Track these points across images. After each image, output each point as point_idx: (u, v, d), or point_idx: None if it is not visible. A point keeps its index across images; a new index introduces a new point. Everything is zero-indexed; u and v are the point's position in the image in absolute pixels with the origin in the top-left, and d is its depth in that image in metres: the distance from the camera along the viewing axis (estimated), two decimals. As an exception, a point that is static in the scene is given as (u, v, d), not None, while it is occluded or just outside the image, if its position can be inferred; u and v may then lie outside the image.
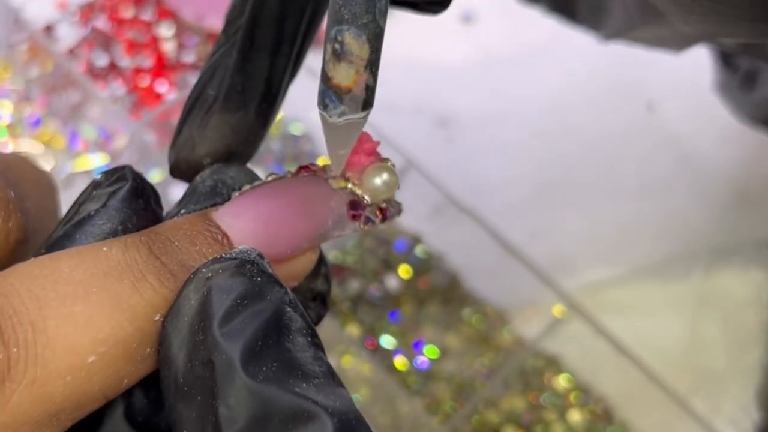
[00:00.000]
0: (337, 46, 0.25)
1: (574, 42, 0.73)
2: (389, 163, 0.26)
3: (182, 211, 0.27)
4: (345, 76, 0.26)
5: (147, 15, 0.65)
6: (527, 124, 0.67)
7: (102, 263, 0.22)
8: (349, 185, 0.26)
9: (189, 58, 0.64)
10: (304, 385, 0.21)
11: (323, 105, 0.26)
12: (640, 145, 0.67)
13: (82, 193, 0.26)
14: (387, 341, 0.54)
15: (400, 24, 0.71)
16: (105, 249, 0.23)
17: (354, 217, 0.26)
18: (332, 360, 0.54)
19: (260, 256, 0.23)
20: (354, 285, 0.56)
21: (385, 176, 0.26)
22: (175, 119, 0.61)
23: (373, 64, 0.26)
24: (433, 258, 0.58)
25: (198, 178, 0.28)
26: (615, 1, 0.40)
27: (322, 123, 0.25)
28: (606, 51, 0.72)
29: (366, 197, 0.26)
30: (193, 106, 0.28)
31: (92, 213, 0.25)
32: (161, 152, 0.59)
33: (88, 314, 0.21)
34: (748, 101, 0.55)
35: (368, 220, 0.26)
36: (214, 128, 0.28)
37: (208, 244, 0.24)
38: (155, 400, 0.25)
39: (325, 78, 0.25)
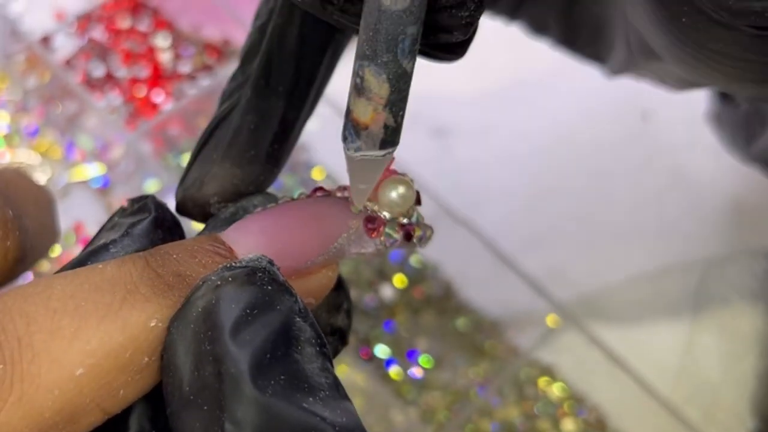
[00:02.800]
0: (358, 80, 0.25)
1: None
2: (406, 178, 0.26)
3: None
4: (363, 112, 0.26)
5: (143, 26, 0.65)
6: (522, 135, 0.67)
7: (95, 278, 0.22)
8: (366, 202, 0.26)
9: (185, 68, 0.64)
10: (311, 399, 0.21)
11: (343, 137, 0.26)
12: (634, 155, 0.68)
13: (108, 221, 0.26)
14: (381, 351, 0.55)
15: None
16: (101, 266, 0.23)
17: (371, 232, 0.25)
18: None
19: (271, 263, 0.23)
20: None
21: (401, 190, 0.25)
22: (172, 129, 0.61)
23: (394, 104, 0.25)
24: (428, 268, 0.59)
25: (223, 207, 0.28)
26: (618, 37, 0.40)
27: (344, 155, 0.25)
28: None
29: (383, 213, 0.25)
30: (204, 143, 0.28)
31: (109, 242, 0.25)
32: (157, 162, 0.59)
33: (75, 327, 0.21)
34: (747, 140, 0.52)
35: (388, 236, 0.26)
36: (224, 167, 0.27)
37: (209, 256, 0.24)
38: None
39: (347, 110, 0.25)
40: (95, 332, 0.21)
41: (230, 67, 0.62)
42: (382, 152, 0.27)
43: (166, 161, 0.60)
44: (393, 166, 0.26)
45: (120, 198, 0.59)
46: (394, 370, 0.54)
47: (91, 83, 0.62)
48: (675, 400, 0.55)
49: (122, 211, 0.26)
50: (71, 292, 0.22)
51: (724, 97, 0.52)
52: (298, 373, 0.21)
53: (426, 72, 0.71)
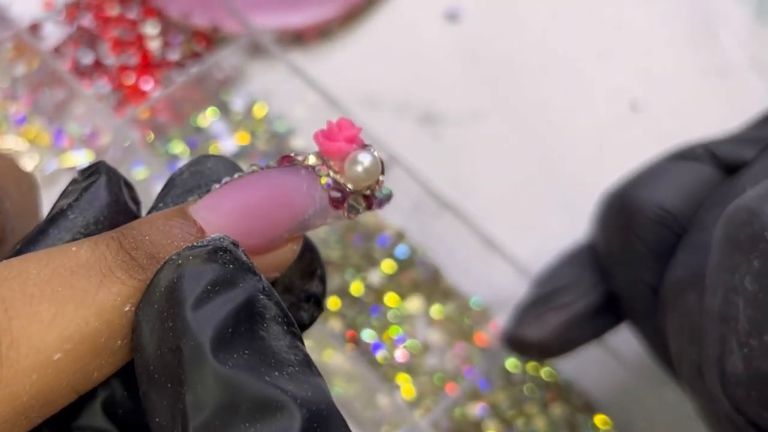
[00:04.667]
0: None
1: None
2: (371, 150, 0.26)
3: (160, 205, 0.27)
4: None
5: (132, 13, 0.65)
6: (512, 121, 0.67)
7: (70, 262, 0.22)
8: (331, 173, 0.25)
9: (174, 56, 0.64)
10: (276, 373, 0.21)
11: None
12: (624, 143, 0.68)
13: (63, 191, 0.26)
14: (369, 335, 0.55)
15: (385, 19, 0.71)
16: (74, 249, 0.23)
17: (335, 206, 0.25)
18: (313, 354, 0.54)
19: (234, 244, 0.23)
20: (336, 280, 0.56)
21: (366, 163, 0.25)
22: (160, 116, 0.61)
23: None
24: (416, 253, 0.59)
25: (176, 171, 0.28)
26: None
27: None
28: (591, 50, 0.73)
29: (348, 185, 0.25)
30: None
31: (65, 207, 0.25)
32: (145, 149, 0.59)
33: (52, 312, 0.21)
34: None
35: (352, 208, 0.26)
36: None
37: (181, 237, 0.24)
38: (135, 391, 0.25)
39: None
40: (73, 317, 0.21)
41: (219, 55, 0.62)
42: None
43: (154, 148, 0.60)
44: (360, 136, 0.26)
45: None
46: (381, 355, 0.54)
47: (79, 71, 0.62)
48: (663, 384, 0.55)
49: (74, 181, 0.26)
50: (47, 277, 0.22)
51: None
52: (263, 348, 0.21)
53: (415, 59, 0.72)
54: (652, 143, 0.72)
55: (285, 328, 0.22)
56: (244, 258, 0.23)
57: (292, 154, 0.26)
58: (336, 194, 0.25)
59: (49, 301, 0.21)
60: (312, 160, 0.25)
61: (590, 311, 0.46)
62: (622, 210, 0.43)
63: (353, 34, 0.70)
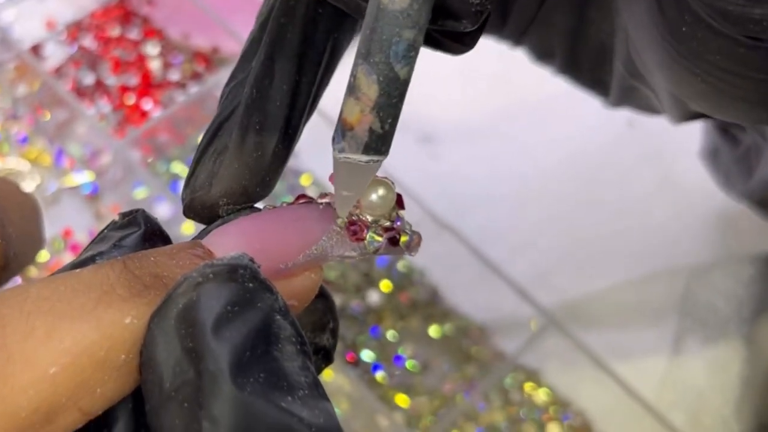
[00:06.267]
0: (351, 79, 0.25)
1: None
2: (386, 180, 0.26)
3: None
4: (350, 111, 0.26)
5: (133, 34, 0.66)
6: (509, 141, 0.68)
7: (71, 281, 0.22)
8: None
9: (175, 76, 0.64)
10: (290, 398, 0.21)
11: (333, 137, 0.26)
12: (620, 160, 0.68)
13: (98, 234, 0.26)
14: (368, 355, 0.55)
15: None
16: (78, 271, 0.23)
17: (353, 236, 0.26)
18: (313, 374, 0.54)
19: (252, 261, 0.23)
20: (335, 300, 0.56)
21: (380, 191, 0.25)
22: (160, 136, 0.61)
23: (382, 109, 0.25)
24: (415, 273, 0.59)
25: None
26: (618, 60, 0.40)
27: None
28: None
29: (365, 215, 0.26)
30: (208, 144, 0.28)
31: (96, 254, 0.25)
32: (146, 170, 0.59)
33: (48, 327, 0.21)
34: (744, 178, 0.50)
35: (373, 241, 0.26)
36: (231, 169, 0.27)
37: (188, 259, 0.24)
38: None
39: (341, 110, 0.25)
40: (68, 331, 0.21)
41: (219, 75, 0.63)
42: (366, 158, 0.26)
43: (155, 168, 0.60)
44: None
45: (109, 204, 0.59)
46: (380, 375, 0.55)
47: (80, 91, 0.63)
48: (660, 405, 0.55)
49: (113, 224, 0.26)
50: (46, 295, 0.22)
51: (724, 133, 0.51)
52: (277, 371, 0.21)
53: (414, 78, 0.72)
54: (649, 160, 0.73)
55: (298, 347, 0.22)
56: (262, 276, 0.23)
57: (306, 195, 0.26)
58: (352, 224, 0.25)
59: (45, 316, 0.21)
60: (328, 198, 0.26)
61: None
62: None
63: (351, 54, 0.70)
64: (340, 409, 0.54)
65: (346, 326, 0.56)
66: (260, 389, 0.21)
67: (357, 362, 0.55)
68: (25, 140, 0.60)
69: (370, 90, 0.26)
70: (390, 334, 0.56)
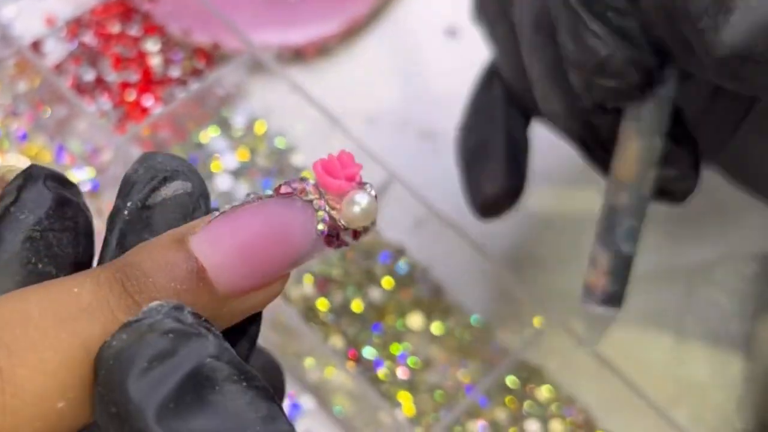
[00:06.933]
0: (592, 250, 0.41)
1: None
2: (369, 190, 0.26)
3: (128, 204, 0.27)
4: (589, 275, 0.42)
5: (134, 30, 0.65)
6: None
7: (72, 305, 0.22)
8: (327, 208, 0.25)
9: (175, 72, 0.64)
10: None
11: (581, 296, 0.43)
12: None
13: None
14: (369, 352, 0.55)
15: (385, 36, 0.72)
16: (76, 290, 0.23)
17: (329, 243, 0.25)
18: (315, 372, 0.54)
19: (176, 308, 0.23)
20: (338, 297, 0.56)
21: (364, 204, 0.25)
22: (161, 133, 0.61)
23: (613, 274, 0.40)
24: (417, 270, 0.59)
25: (130, 169, 0.28)
26: None
27: None
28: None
29: (343, 222, 0.25)
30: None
31: (8, 206, 0.25)
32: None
33: (57, 360, 0.21)
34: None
35: (342, 243, 0.26)
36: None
37: (183, 279, 0.23)
38: None
39: (585, 277, 0.43)
40: (79, 366, 0.22)
41: (220, 71, 0.63)
42: (602, 309, 0.41)
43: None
44: (360, 173, 0.26)
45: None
46: (382, 372, 0.54)
47: (81, 88, 0.63)
48: (663, 401, 0.55)
49: (8, 183, 0.27)
50: (50, 322, 0.22)
51: None
52: (219, 414, 0.21)
53: (415, 73, 0.72)
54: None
55: (244, 384, 0.22)
56: (190, 320, 0.22)
57: (289, 186, 0.26)
58: (331, 232, 0.25)
59: (53, 350, 0.21)
60: (310, 195, 0.25)
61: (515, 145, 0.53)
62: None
63: (353, 50, 0.70)
64: (343, 406, 0.54)
65: (347, 323, 0.56)
66: None
67: (359, 359, 0.55)
68: (25, 137, 0.60)
69: (603, 261, 0.41)
70: (392, 331, 0.56)
